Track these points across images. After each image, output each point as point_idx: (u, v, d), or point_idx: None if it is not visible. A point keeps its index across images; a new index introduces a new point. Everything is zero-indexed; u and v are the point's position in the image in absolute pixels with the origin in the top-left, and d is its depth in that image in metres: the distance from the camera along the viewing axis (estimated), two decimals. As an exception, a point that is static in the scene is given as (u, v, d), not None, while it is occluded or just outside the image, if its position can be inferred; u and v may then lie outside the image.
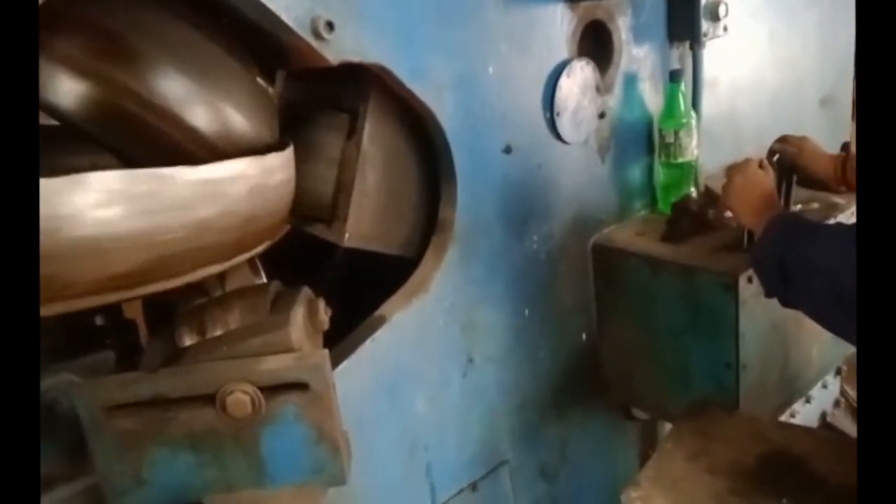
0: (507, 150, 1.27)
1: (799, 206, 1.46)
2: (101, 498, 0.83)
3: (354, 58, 1.01)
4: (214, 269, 0.86)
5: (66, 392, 0.85)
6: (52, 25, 0.83)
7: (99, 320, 1.04)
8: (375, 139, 1.16)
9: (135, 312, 1.07)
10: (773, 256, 1.05)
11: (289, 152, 0.95)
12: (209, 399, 0.78)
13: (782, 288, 1.06)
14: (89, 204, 0.71)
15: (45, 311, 0.76)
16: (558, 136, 1.35)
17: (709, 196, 1.48)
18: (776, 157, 1.34)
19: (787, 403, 1.53)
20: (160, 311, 0.97)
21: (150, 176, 0.76)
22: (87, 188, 0.71)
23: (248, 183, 0.85)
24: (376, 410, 1.15)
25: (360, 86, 1.15)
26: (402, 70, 1.07)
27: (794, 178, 1.35)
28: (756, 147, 1.47)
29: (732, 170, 1.22)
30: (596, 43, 1.41)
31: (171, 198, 0.77)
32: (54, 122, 0.88)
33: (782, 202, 1.31)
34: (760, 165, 1.21)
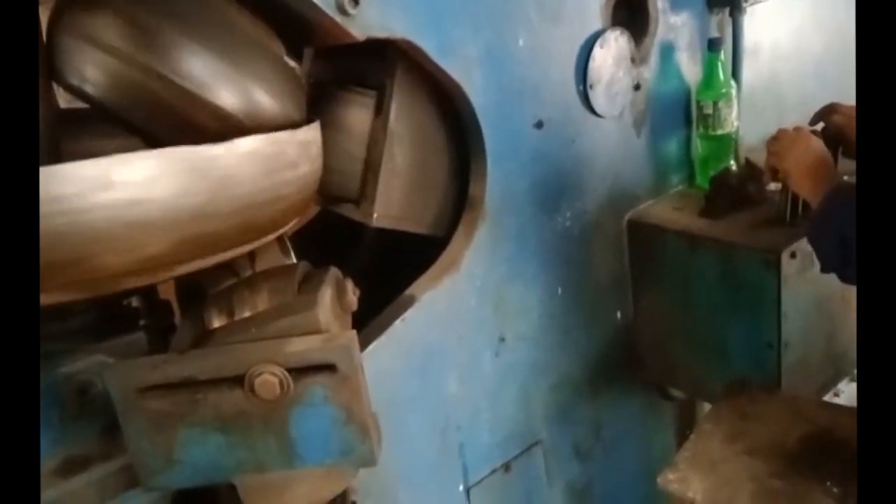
0: (539, 124, 1.24)
1: (845, 178, 1.40)
2: (136, 477, 0.84)
3: (381, 33, 0.99)
4: (245, 248, 0.86)
5: (99, 373, 0.86)
6: (78, 5, 0.83)
7: (134, 301, 1.06)
8: (403, 116, 1.14)
9: (169, 293, 1.08)
10: (833, 233, 1.00)
11: (316, 129, 0.93)
12: (238, 380, 0.78)
13: (842, 267, 1.02)
14: (121, 185, 0.71)
15: (78, 294, 0.77)
16: (592, 110, 1.31)
17: (749, 169, 1.43)
18: (822, 126, 1.28)
19: (831, 382, 1.49)
20: (193, 292, 0.97)
21: (182, 155, 0.75)
22: (119, 170, 0.70)
23: (278, 160, 0.84)
24: (407, 391, 1.15)
25: (387, 62, 1.13)
26: (429, 45, 1.05)
27: (840, 149, 1.29)
28: (800, 117, 1.41)
29: (781, 131, 1.18)
30: (631, 12, 1.37)
31: (202, 176, 0.76)
32: (82, 105, 0.89)
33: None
34: None
